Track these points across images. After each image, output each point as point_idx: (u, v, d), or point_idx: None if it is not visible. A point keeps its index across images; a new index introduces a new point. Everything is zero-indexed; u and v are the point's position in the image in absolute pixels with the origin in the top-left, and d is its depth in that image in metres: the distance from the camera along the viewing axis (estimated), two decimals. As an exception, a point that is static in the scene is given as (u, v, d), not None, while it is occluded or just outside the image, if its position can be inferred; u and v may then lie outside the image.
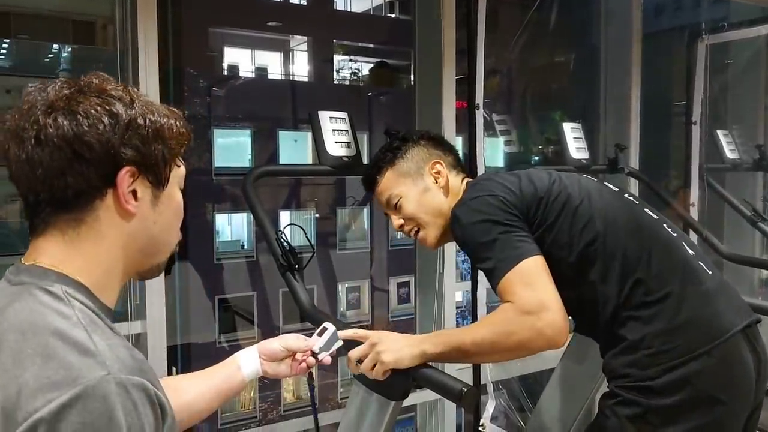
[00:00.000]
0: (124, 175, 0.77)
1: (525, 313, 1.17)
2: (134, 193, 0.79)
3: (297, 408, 2.58)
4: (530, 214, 1.30)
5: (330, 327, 1.24)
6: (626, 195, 1.42)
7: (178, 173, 0.86)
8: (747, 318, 1.26)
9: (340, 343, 1.25)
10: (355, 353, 1.27)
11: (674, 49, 3.40)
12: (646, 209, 1.38)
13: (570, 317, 1.33)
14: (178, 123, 0.83)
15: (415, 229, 1.49)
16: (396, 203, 1.48)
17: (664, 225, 1.36)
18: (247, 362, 1.18)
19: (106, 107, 0.76)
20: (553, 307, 1.18)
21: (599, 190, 1.38)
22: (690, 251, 1.32)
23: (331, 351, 1.23)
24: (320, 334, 1.24)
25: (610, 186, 1.44)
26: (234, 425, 2.38)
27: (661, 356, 1.20)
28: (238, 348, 2.66)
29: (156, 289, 1.83)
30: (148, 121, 0.79)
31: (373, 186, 1.53)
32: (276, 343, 1.20)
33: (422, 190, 1.47)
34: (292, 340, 1.21)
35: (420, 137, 1.54)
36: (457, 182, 1.49)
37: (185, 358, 2.37)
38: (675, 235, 1.34)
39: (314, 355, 1.21)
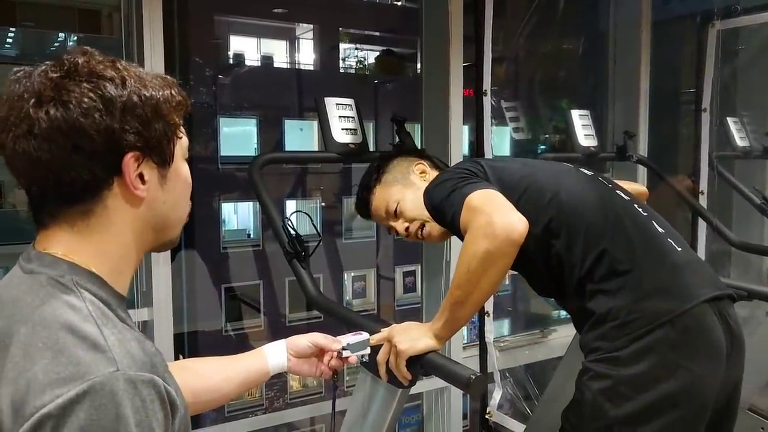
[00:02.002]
0: (129, 161, 0.75)
1: (476, 232, 1.19)
2: (141, 176, 0.77)
3: (303, 396, 2.59)
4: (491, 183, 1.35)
5: (364, 333, 1.26)
6: (600, 178, 1.46)
7: (182, 145, 0.83)
8: (716, 291, 1.27)
9: (367, 351, 1.26)
10: (381, 357, 1.29)
11: (684, 36, 3.36)
12: (617, 191, 1.42)
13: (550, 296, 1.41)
14: (173, 92, 0.80)
15: (421, 227, 1.54)
16: (395, 209, 1.55)
17: (635, 205, 1.39)
18: (274, 355, 1.18)
19: (99, 92, 0.72)
20: (497, 213, 1.19)
21: (569, 172, 1.44)
22: (659, 228, 1.35)
23: (356, 354, 1.24)
24: (354, 335, 1.25)
25: (584, 170, 1.48)
26: (241, 413, 2.39)
27: (627, 327, 1.22)
28: (245, 336, 2.66)
29: (162, 276, 1.83)
30: (143, 98, 0.75)
31: (369, 207, 1.61)
32: (304, 340, 1.20)
33: (414, 190, 1.55)
34: (320, 338, 1.21)
35: (396, 154, 1.67)
36: None
37: (192, 346, 2.37)
38: (645, 214, 1.37)
39: (340, 353, 1.22)
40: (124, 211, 0.77)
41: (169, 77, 0.82)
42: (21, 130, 0.71)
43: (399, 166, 1.61)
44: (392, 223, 1.58)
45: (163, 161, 0.79)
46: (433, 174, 1.58)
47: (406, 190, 1.56)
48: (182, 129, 0.83)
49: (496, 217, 1.18)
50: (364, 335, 1.26)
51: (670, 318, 1.20)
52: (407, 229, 1.55)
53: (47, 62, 0.75)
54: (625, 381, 1.21)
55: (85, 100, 0.72)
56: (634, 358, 1.21)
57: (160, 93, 0.78)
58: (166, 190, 0.81)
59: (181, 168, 0.84)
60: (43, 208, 0.76)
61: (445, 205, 1.32)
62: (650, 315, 1.21)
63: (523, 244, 1.21)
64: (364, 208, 1.63)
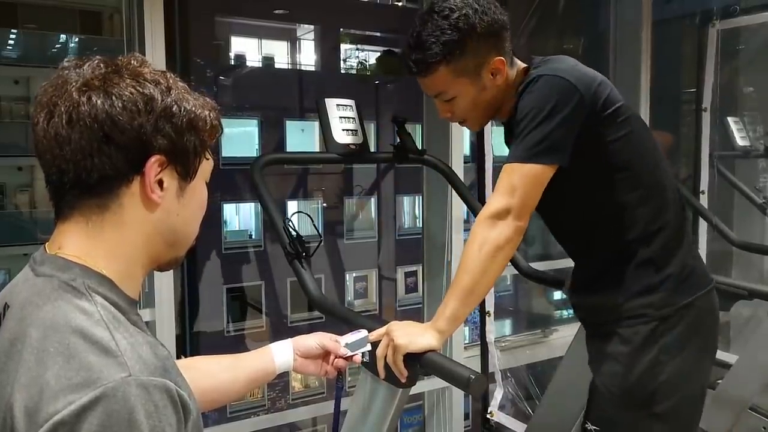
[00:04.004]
0: (153, 164, 0.76)
1: (491, 218, 1.27)
2: (160, 182, 0.78)
3: (305, 396, 2.59)
4: (598, 107, 1.34)
5: (363, 331, 1.27)
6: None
7: (206, 167, 0.84)
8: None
9: (368, 348, 1.27)
10: (380, 351, 1.28)
11: (684, 35, 3.36)
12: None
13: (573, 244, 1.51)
14: (211, 115, 0.82)
15: (463, 120, 1.49)
16: (449, 99, 1.41)
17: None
18: (281, 354, 1.19)
19: (142, 91, 0.75)
20: (520, 207, 1.27)
21: (658, 150, 1.50)
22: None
23: (356, 353, 1.25)
24: (352, 334, 1.27)
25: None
26: (243, 413, 2.39)
27: (673, 298, 1.37)
28: (247, 337, 2.66)
29: (165, 277, 1.84)
30: (183, 110, 0.77)
31: (419, 72, 1.39)
32: (312, 341, 1.21)
33: (479, 90, 1.39)
34: (326, 340, 1.22)
35: (477, 20, 1.33)
36: (513, 73, 1.43)
37: (194, 346, 2.38)
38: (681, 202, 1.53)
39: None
40: (138, 213, 0.78)
41: (211, 102, 0.84)
42: (59, 111, 0.73)
43: (475, 51, 1.35)
44: (437, 102, 1.45)
45: (186, 174, 0.80)
46: (506, 72, 1.40)
47: (470, 87, 1.38)
48: (210, 152, 0.84)
49: (515, 208, 1.26)
50: (363, 332, 1.27)
51: (701, 294, 1.40)
52: (450, 117, 1.47)
53: (99, 57, 0.78)
54: (665, 345, 1.36)
55: (128, 94, 0.74)
56: (673, 323, 1.36)
57: (200, 111, 0.80)
58: (182, 204, 0.81)
59: (200, 188, 0.85)
60: (62, 198, 0.77)
61: (523, 131, 1.29)
62: (689, 290, 1.39)
63: (601, 173, 1.36)
64: (413, 71, 1.39)
